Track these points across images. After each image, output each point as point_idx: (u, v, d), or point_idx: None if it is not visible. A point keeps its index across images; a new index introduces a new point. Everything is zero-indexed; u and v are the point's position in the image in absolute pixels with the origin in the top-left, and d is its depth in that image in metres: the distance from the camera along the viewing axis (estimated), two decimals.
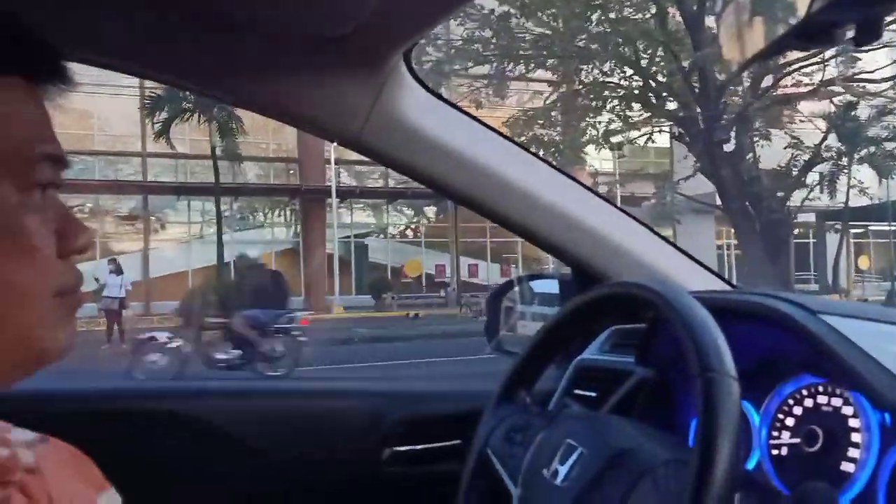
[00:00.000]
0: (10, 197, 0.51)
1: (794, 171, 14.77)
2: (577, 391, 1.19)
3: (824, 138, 14.92)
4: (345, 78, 1.05)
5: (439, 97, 1.16)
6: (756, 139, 14.21)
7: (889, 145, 14.69)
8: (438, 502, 1.01)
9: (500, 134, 1.22)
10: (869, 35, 0.46)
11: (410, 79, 1.09)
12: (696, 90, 12.61)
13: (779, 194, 13.98)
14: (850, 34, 0.47)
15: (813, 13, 0.48)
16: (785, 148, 14.90)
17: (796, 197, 15.07)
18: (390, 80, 1.06)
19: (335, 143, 1.14)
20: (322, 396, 1.30)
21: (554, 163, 1.27)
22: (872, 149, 14.92)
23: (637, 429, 0.84)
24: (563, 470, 0.80)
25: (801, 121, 15.29)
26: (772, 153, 14.73)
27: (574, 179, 1.27)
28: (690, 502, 0.63)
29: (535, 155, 1.26)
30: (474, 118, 1.20)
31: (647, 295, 0.81)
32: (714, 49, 10.23)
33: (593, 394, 1.15)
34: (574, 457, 0.80)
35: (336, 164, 19.24)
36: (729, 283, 1.31)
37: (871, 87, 14.69)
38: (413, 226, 23.29)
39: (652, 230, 1.29)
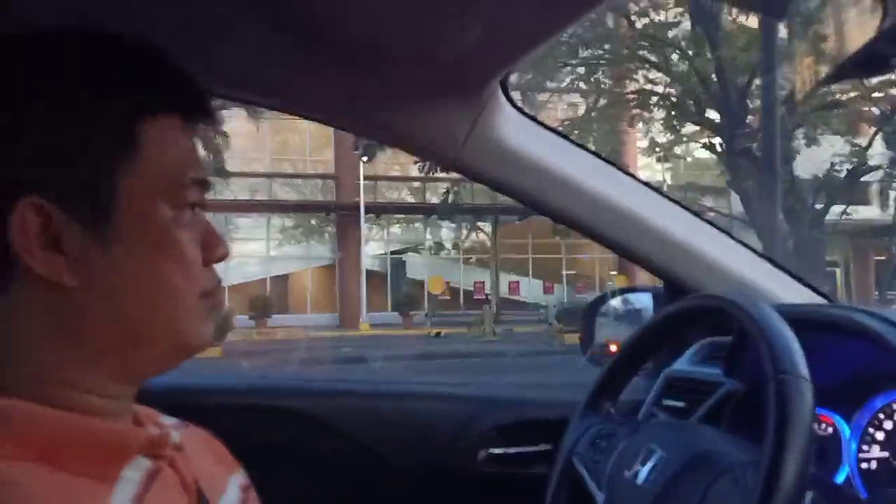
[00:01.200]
0: (166, 214, 0.62)
1: (838, 181, 12.99)
2: (665, 402, 1.22)
3: (870, 143, 13.11)
4: (446, 104, 1.14)
5: (534, 119, 1.23)
6: (803, 143, 12.72)
7: None
8: (530, 502, 1.07)
9: (592, 152, 1.28)
10: None
11: (507, 104, 1.17)
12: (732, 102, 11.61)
13: (817, 206, 12.59)
14: None
15: (869, 43, 0.52)
16: (834, 155, 13.20)
17: (836, 211, 13.35)
18: (488, 105, 1.14)
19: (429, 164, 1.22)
20: (423, 398, 1.39)
21: (646, 180, 1.31)
22: None
23: (718, 434, 0.88)
24: (643, 471, 0.84)
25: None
26: (804, 161, 13.05)
27: (663, 194, 1.31)
28: (761, 498, 0.66)
29: (625, 171, 1.31)
30: (566, 138, 1.26)
31: (724, 305, 0.85)
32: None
33: (681, 404, 1.19)
34: (655, 459, 0.84)
35: (366, 179, 19.07)
36: (827, 297, 1.31)
37: None
38: (454, 241, 22.60)
39: (743, 244, 1.31)
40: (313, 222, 20.94)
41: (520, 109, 1.20)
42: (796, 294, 1.26)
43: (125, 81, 0.61)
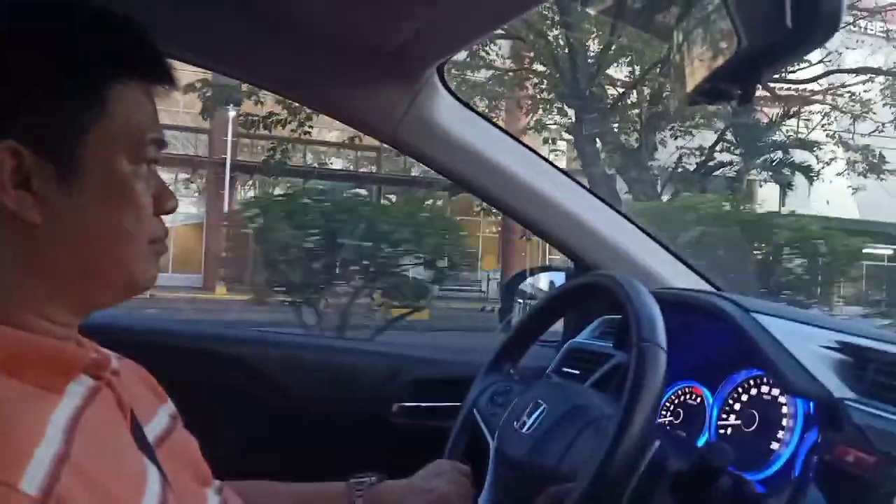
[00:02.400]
0: (126, 167, 0.71)
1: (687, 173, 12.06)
2: (564, 369, 1.37)
3: (718, 139, 12.21)
4: (386, 85, 1.25)
5: (467, 105, 1.34)
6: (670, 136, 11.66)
7: (797, 154, 12.22)
8: (435, 451, 1.19)
9: (518, 140, 1.41)
10: (746, 100, 0.63)
11: (442, 89, 1.28)
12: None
13: (664, 198, 11.64)
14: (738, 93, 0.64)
15: (712, 75, 0.65)
16: (678, 149, 12.24)
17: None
18: (424, 89, 1.26)
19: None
20: (349, 352, 1.51)
21: (565, 169, 1.44)
22: (773, 155, 12.32)
23: (597, 394, 1.02)
24: (529, 421, 0.97)
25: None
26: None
27: (580, 184, 1.45)
28: (611, 444, 0.80)
29: (548, 161, 1.44)
30: (496, 125, 1.38)
31: (608, 283, 0.98)
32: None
33: (577, 372, 1.34)
34: (539, 411, 0.98)
35: (237, 137, 17.12)
36: (714, 285, 1.46)
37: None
38: None
39: (647, 233, 1.46)
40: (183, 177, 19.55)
41: (455, 95, 1.32)
42: (686, 280, 1.41)
43: (101, 49, 0.70)
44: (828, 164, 12.30)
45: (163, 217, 0.77)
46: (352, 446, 1.41)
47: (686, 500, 0.88)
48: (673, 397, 1.21)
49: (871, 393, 0.88)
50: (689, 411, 1.18)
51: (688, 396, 1.20)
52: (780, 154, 12.03)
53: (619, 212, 1.45)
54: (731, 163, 12.29)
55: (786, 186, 12.07)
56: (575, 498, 0.79)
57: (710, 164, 12.02)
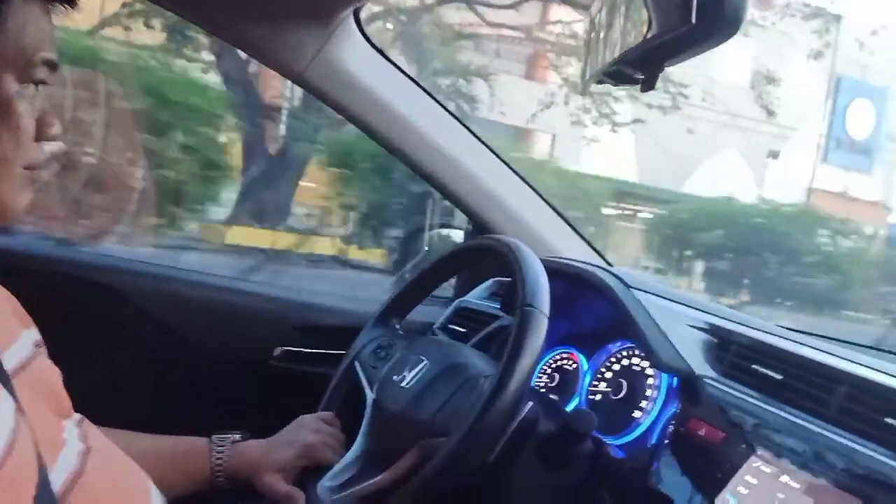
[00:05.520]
0: (11, 86, 0.66)
1: None
2: (451, 326, 1.40)
3: None
4: (299, 22, 1.20)
5: (382, 54, 1.32)
6: None
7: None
8: (315, 399, 1.19)
9: (431, 96, 1.40)
10: (649, 86, 0.65)
11: (358, 33, 1.25)
12: None
13: None
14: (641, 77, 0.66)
15: (620, 58, 0.66)
16: None
17: None
18: (339, 31, 1.22)
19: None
20: (232, 292, 1.47)
21: (476, 132, 1.44)
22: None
23: (477, 354, 1.04)
24: (409, 376, 0.99)
25: None
26: None
27: (491, 149, 1.45)
28: (485, 401, 0.83)
29: (459, 120, 1.44)
30: (411, 78, 1.37)
31: (499, 247, 1.00)
32: None
33: (463, 330, 1.36)
34: (420, 366, 0.99)
35: None
36: (605, 259, 1.52)
37: None
38: None
39: (547, 202, 1.49)
40: None
41: (370, 42, 1.29)
42: (578, 251, 1.46)
43: None
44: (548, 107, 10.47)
45: (44, 143, 0.72)
46: (229, 390, 1.39)
47: (550, 460, 0.93)
48: (551, 361, 1.26)
49: (730, 373, 0.94)
50: (565, 376, 1.24)
51: (565, 362, 1.25)
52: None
53: (522, 178, 1.47)
54: None
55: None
56: (445, 452, 0.82)
57: None
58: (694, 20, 0.52)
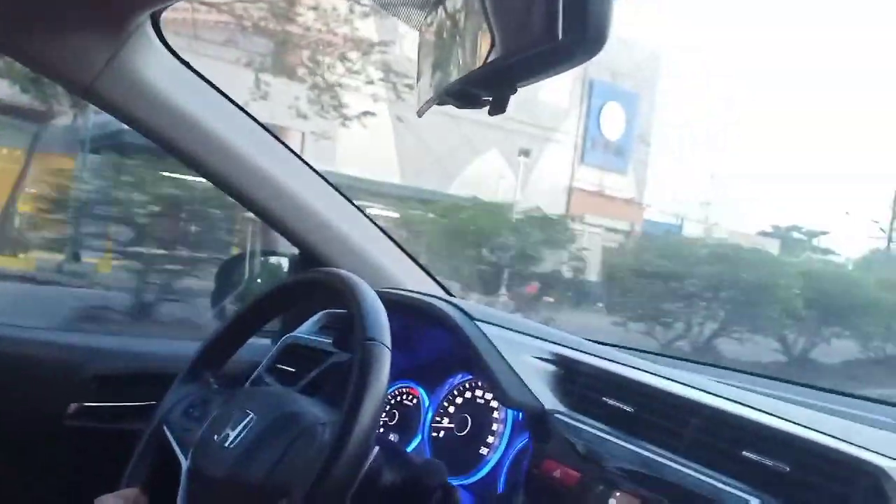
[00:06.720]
0: None
1: None
2: (279, 366, 1.26)
3: None
4: (87, 27, 1.03)
5: (186, 64, 1.17)
6: None
7: None
8: (119, 461, 1.02)
9: (247, 113, 1.26)
10: (499, 109, 0.58)
11: (156, 40, 1.09)
12: None
13: None
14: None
15: (465, 79, 0.59)
16: None
17: None
18: (135, 37, 1.06)
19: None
20: (20, 344, 1.24)
21: (299, 153, 1.33)
22: None
23: (311, 400, 0.93)
24: (233, 434, 0.86)
25: None
26: None
27: (315, 171, 1.34)
28: (331, 450, 0.73)
29: (280, 141, 1.31)
30: (221, 92, 1.22)
31: (332, 280, 0.91)
32: None
33: (293, 370, 1.24)
34: (245, 421, 0.86)
35: None
36: (445, 289, 1.46)
37: None
38: None
39: (382, 230, 1.40)
40: None
41: (172, 51, 1.14)
42: (419, 283, 1.39)
43: None
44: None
45: None
46: (14, 456, 1.17)
47: None
48: (389, 397, 1.18)
49: (579, 407, 0.90)
50: (405, 412, 1.16)
51: (404, 397, 1.17)
52: None
53: (352, 203, 1.37)
54: None
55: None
56: None
57: None
58: (553, 39, 0.46)
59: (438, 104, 0.64)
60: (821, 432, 0.70)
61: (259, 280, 1.54)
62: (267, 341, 1.39)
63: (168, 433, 0.95)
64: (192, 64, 1.18)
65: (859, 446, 0.67)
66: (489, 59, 0.54)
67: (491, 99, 0.59)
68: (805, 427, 0.71)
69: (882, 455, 0.66)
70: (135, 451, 0.97)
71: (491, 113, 0.59)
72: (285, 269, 1.54)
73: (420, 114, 0.70)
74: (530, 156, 15.10)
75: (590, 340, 1.10)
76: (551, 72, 0.52)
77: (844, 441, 0.68)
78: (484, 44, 0.55)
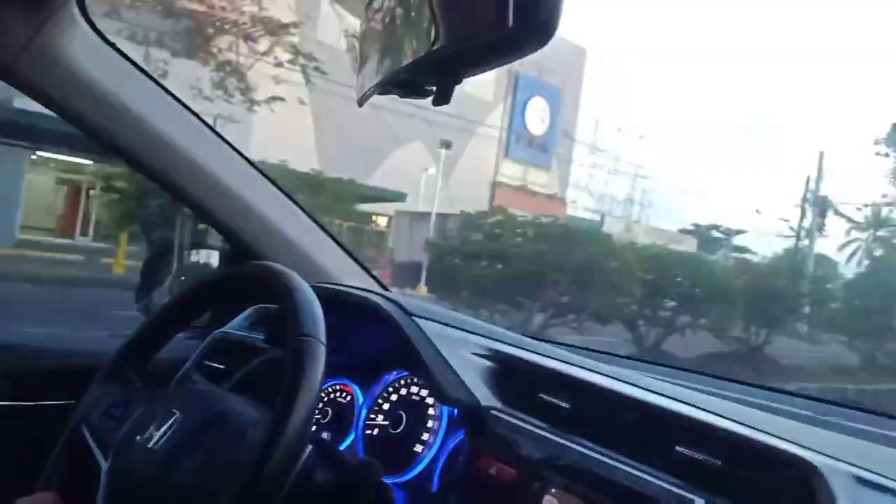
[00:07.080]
0: None
1: None
2: (207, 362, 1.22)
3: None
4: (6, 5, 0.97)
5: (114, 46, 1.11)
6: None
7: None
8: (35, 465, 0.96)
9: (176, 98, 1.21)
10: (443, 100, 0.57)
11: (82, 20, 1.04)
12: None
13: None
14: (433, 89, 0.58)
15: (411, 67, 0.58)
16: None
17: None
18: (58, 16, 1.00)
19: None
20: None
21: (231, 141, 1.28)
22: None
23: (242, 399, 0.90)
24: (157, 434, 0.82)
25: None
26: None
27: (250, 162, 1.30)
28: (262, 450, 0.70)
29: (213, 129, 1.27)
30: (150, 76, 1.17)
31: (264, 274, 0.88)
32: None
33: (223, 366, 1.20)
34: (170, 421, 0.83)
35: None
36: (382, 284, 1.44)
37: None
38: None
39: (318, 224, 1.37)
40: None
41: (99, 32, 1.08)
42: (353, 277, 1.36)
43: None
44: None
45: None
46: None
47: None
48: (323, 394, 1.15)
49: (516, 403, 0.90)
50: (338, 410, 1.14)
51: (338, 394, 1.15)
52: None
53: (286, 193, 1.34)
54: None
55: None
56: None
57: None
58: (503, 28, 0.45)
59: (381, 93, 0.62)
60: (751, 427, 0.71)
61: (185, 277, 1.48)
62: (195, 338, 1.34)
63: (87, 434, 0.90)
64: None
65: (787, 440, 0.69)
66: (436, 48, 0.53)
67: (435, 89, 0.58)
68: (737, 422, 0.72)
69: (807, 448, 0.68)
70: (51, 454, 0.92)
71: (435, 103, 0.58)
72: (215, 263, 1.49)
73: (361, 103, 0.68)
74: (452, 148, 15.09)
75: (529, 336, 1.10)
76: (498, 62, 0.52)
77: (773, 435, 0.70)
78: (431, 32, 0.53)
